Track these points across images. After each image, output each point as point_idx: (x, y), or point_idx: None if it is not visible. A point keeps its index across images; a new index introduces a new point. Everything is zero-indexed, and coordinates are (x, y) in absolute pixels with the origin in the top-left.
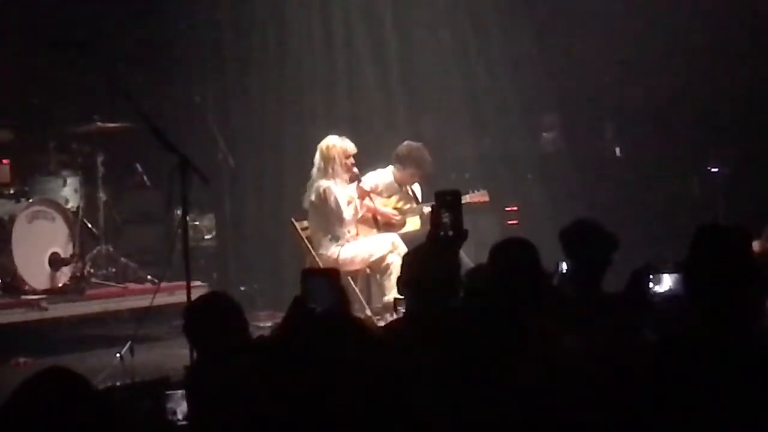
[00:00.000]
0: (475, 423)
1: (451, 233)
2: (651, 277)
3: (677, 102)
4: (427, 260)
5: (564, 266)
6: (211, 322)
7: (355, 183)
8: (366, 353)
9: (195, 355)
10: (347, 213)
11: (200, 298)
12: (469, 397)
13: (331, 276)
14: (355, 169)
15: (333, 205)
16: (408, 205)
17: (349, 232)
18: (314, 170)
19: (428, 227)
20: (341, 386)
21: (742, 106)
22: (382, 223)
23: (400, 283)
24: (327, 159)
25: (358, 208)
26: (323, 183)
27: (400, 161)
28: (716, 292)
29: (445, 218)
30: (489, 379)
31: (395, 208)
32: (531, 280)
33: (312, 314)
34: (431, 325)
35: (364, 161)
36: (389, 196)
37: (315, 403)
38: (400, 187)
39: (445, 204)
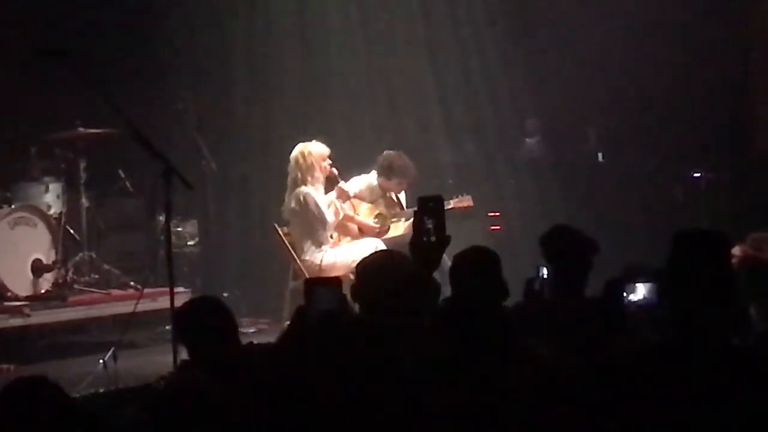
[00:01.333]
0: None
1: (433, 239)
2: (626, 287)
3: (660, 108)
4: (381, 273)
5: (545, 271)
6: (203, 325)
7: (335, 185)
8: (368, 353)
9: (182, 358)
10: (329, 216)
11: (191, 301)
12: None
13: (334, 284)
14: (335, 170)
15: (314, 209)
16: (392, 211)
17: (331, 237)
18: (290, 180)
19: (411, 233)
20: (343, 385)
21: (724, 112)
22: (365, 230)
23: (353, 293)
24: (305, 167)
25: (339, 210)
26: (303, 189)
27: (384, 173)
28: (693, 297)
29: (428, 224)
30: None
31: (379, 214)
32: (490, 287)
33: (315, 320)
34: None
35: (347, 166)
36: (373, 201)
37: (320, 403)
38: (384, 192)
39: (428, 210)
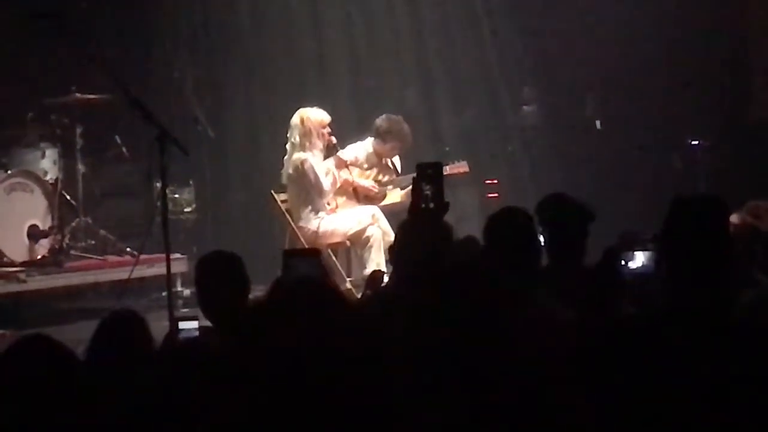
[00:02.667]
0: (457, 394)
1: (432, 205)
2: (624, 254)
3: (658, 75)
4: (418, 231)
5: (541, 239)
6: (218, 278)
7: (333, 153)
8: (343, 319)
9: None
10: (326, 184)
11: (212, 253)
12: (452, 368)
13: (313, 256)
14: (333, 138)
15: (312, 177)
16: (387, 178)
17: (328, 204)
18: (288, 145)
19: (409, 199)
20: (318, 352)
21: (723, 79)
22: (361, 196)
23: (391, 252)
24: (304, 132)
25: (337, 178)
26: (301, 155)
27: (381, 135)
28: (690, 264)
29: (426, 191)
30: (474, 349)
31: (375, 181)
32: (526, 252)
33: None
34: (418, 295)
35: (345, 134)
36: (369, 168)
37: (292, 370)
38: (379, 159)
39: (426, 177)
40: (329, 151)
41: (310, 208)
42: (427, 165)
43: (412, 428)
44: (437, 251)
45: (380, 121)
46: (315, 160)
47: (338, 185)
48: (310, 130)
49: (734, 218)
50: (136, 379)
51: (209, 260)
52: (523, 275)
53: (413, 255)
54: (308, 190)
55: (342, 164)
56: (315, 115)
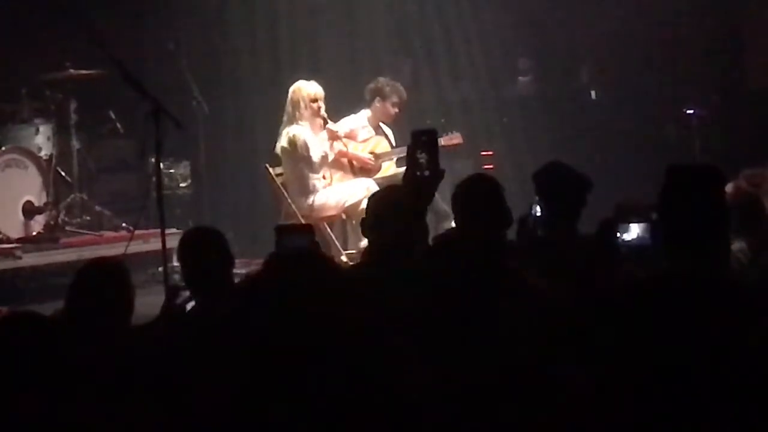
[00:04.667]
0: (445, 366)
1: (427, 173)
2: (619, 226)
3: (653, 44)
4: (393, 202)
5: (538, 209)
6: (200, 254)
7: (328, 127)
8: (335, 287)
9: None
10: (315, 155)
11: (194, 229)
12: (441, 341)
13: (306, 232)
14: (323, 113)
15: (300, 149)
16: (383, 149)
17: (324, 177)
18: (284, 116)
19: (403, 171)
20: (311, 321)
21: (717, 49)
22: (357, 168)
23: (364, 225)
24: (293, 103)
25: (328, 152)
26: (292, 128)
27: (380, 93)
28: (686, 231)
29: (421, 158)
30: (462, 322)
31: (371, 153)
32: (495, 215)
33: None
34: (397, 269)
35: (342, 106)
36: (364, 141)
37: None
38: (375, 130)
39: (421, 144)
40: (317, 122)
41: (305, 181)
42: (422, 132)
43: (406, 401)
44: (410, 223)
45: (375, 82)
46: (305, 132)
47: (331, 158)
48: (298, 101)
49: (729, 187)
50: (126, 347)
51: (191, 236)
52: (493, 244)
53: (385, 227)
54: (299, 163)
55: (334, 136)
56: (305, 87)
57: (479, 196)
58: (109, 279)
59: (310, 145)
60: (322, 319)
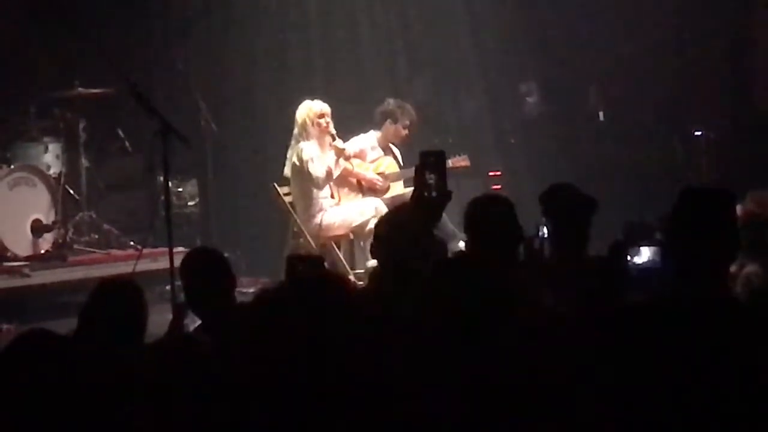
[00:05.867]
0: (453, 384)
1: (435, 194)
2: (629, 249)
3: (660, 65)
4: (400, 223)
5: (545, 230)
6: (200, 276)
7: (334, 144)
8: (345, 308)
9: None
10: (319, 171)
11: (194, 251)
12: (447, 357)
13: (317, 262)
14: (331, 129)
15: (306, 165)
16: (392, 170)
17: (333, 196)
18: (292, 136)
19: (411, 191)
20: (320, 341)
21: (726, 70)
22: (366, 188)
23: (373, 246)
24: (300, 122)
25: (332, 168)
26: (299, 145)
27: (391, 116)
28: (699, 253)
29: (430, 179)
30: (468, 339)
31: (379, 173)
32: (506, 236)
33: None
34: (406, 286)
35: (351, 126)
36: (373, 161)
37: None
38: (384, 151)
39: (429, 165)
40: (325, 140)
41: (312, 200)
42: (430, 153)
43: (413, 422)
44: (421, 244)
45: (385, 104)
46: (310, 148)
47: (335, 176)
48: (305, 120)
49: (737, 209)
50: (135, 366)
51: (192, 257)
52: (504, 263)
53: (396, 249)
54: (306, 180)
55: (340, 153)
56: (311, 105)
57: (493, 215)
58: (123, 297)
59: (315, 161)
60: (335, 342)
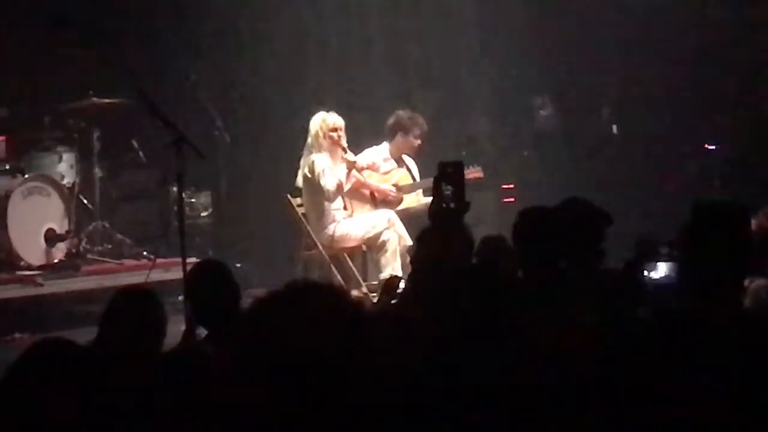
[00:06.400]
0: (476, 396)
1: (452, 205)
2: (645, 265)
3: (675, 80)
4: (442, 239)
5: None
6: (206, 289)
7: (345, 157)
8: (358, 326)
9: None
10: (330, 183)
11: (200, 264)
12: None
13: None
14: (343, 143)
15: (317, 176)
16: (405, 182)
17: (346, 208)
18: (305, 148)
19: (425, 203)
20: (333, 363)
21: (739, 84)
22: (379, 200)
23: (413, 261)
24: (313, 134)
25: (343, 181)
26: (310, 157)
27: (401, 128)
28: (713, 267)
29: (447, 190)
30: (493, 349)
31: (393, 185)
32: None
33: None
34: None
35: (363, 138)
36: (386, 173)
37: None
38: (398, 162)
39: (447, 175)
40: (337, 152)
41: (324, 211)
42: (448, 164)
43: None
44: (463, 258)
45: (394, 117)
46: (322, 159)
47: (346, 188)
48: (317, 132)
49: (752, 223)
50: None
51: (197, 270)
52: (548, 274)
53: (437, 264)
54: (317, 192)
55: (351, 166)
56: (324, 117)
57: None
58: (142, 306)
59: (326, 173)
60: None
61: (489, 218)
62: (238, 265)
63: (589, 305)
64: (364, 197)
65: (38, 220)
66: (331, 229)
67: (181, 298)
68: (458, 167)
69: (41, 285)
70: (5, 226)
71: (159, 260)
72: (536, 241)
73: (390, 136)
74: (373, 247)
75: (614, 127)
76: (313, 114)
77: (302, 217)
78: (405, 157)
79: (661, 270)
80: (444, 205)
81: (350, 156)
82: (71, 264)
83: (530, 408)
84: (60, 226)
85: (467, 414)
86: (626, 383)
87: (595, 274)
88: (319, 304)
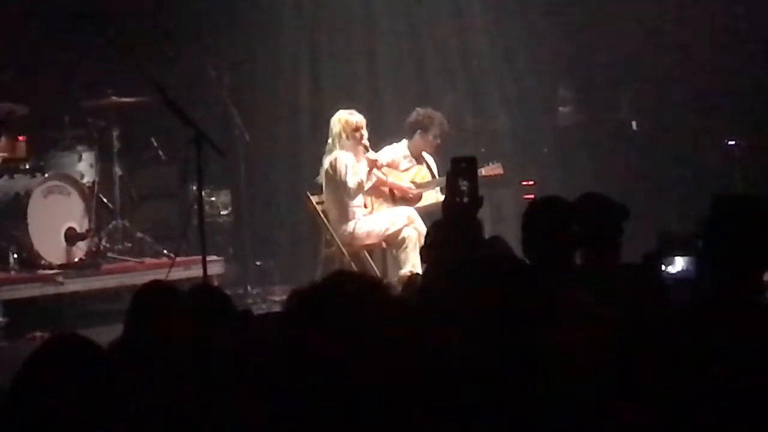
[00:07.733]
0: (497, 389)
1: (466, 200)
2: (664, 259)
3: (694, 74)
4: (453, 230)
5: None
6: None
7: (367, 155)
8: (388, 313)
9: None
10: (351, 181)
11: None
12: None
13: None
14: (365, 141)
15: (339, 174)
16: (424, 179)
17: (366, 206)
18: (327, 146)
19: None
20: (360, 353)
21: (759, 78)
22: (398, 198)
23: (424, 251)
24: (334, 133)
25: (365, 179)
26: (334, 153)
27: (420, 126)
28: (735, 261)
29: (461, 185)
30: (512, 342)
31: (412, 182)
32: (559, 241)
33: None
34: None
35: (382, 135)
36: (406, 170)
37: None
38: (417, 160)
39: (461, 171)
40: (359, 150)
41: (345, 208)
42: (461, 159)
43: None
44: (473, 248)
45: (414, 114)
46: (345, 156)
47: (368, 186)
48: (340, 131)
49: None
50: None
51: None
52: (560, 265)
53: (449, 254)
54: (338, 189)
55: (373, 164)
56: (346, 117)
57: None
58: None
59: (348, 170)
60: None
61: (509, 215)
62: (258, 263)
63: (607, 300)
64: (383, 194)
65: (58, 219)
66: (351, 226)
67: None
68: (471, 162)
69: (61, 284)
70: (26, 225)
71: (179, 258)
72: (542, 231)
73: (410, 133)
74: (392, 244)
75: (633, 123)
76: (333, 111)
77: (322, 215)
78: (424, 155)
79: (678, 264)
80: (458, 200)
81: (372, 154)
82: (91, 263)
83: (549, 403)
84: (80, 225)
85: (485, 406)
86: (645, 378)
87: (612, 268)
88: (360, 292)
